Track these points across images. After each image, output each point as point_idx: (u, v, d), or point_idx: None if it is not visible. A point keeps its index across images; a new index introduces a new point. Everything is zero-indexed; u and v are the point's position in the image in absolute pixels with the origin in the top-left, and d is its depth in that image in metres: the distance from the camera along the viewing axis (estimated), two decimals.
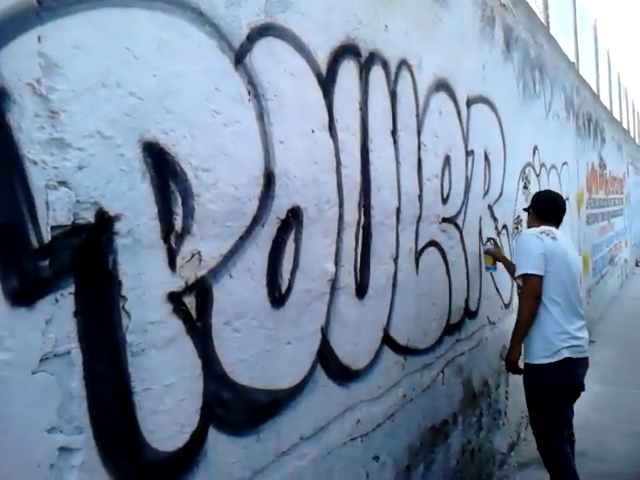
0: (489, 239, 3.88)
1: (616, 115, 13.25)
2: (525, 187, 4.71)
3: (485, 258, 3.77)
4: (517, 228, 4.50)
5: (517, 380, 4.38)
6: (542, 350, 3.09)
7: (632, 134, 17.13)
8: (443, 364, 3.14)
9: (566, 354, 3.07)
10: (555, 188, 5.77)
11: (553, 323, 3.09)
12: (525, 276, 3.12)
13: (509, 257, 3.86)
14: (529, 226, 3.51)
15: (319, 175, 2.04)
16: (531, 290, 3.09)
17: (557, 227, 3.36)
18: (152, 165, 1.39)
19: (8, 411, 1.10)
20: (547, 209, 3.43)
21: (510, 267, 3.78)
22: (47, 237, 1.17)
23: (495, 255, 3.78)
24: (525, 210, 3.67)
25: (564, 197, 5.64)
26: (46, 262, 1.17)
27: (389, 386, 2.57)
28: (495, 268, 3.86)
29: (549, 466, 3.25)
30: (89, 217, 1.25)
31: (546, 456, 3.24)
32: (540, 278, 3.08)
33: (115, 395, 1.33)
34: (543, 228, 3.24)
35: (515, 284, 3.51)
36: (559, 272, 3.13)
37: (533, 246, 3.12)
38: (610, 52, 13.67)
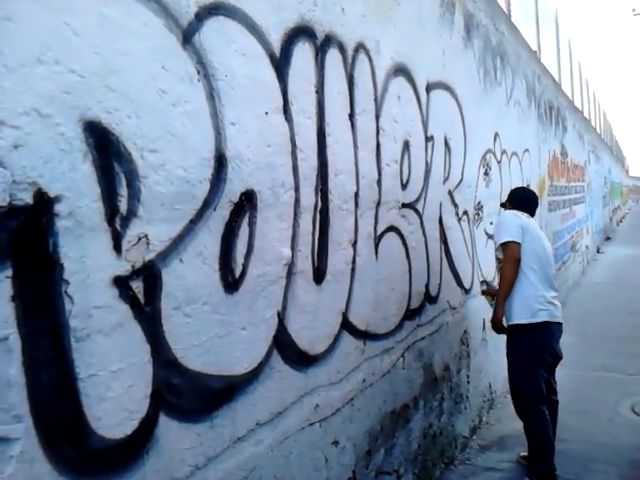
0: (482, 282, 4.44)
1: (577, 104, 13.47)
2: (486, 173, 4.75)
3: (486, 298, 4.21)
4: (478, 214, 4.54)
5: (478, 365, 4.46)
6: (523, 311, 3.52)
7: (593, 123, 17.45)
8: (403, 349, 3.16)
9: (545, 317, 3.51)
10: (516, 175, 5.87)
11: (532, 287, 3.53)
12: (505, 244, 3.55)
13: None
14: None
15: (274, 158, 2.01)
16: (511, 255, 3.53)
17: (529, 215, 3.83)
18: (94, 145, 1.35)
19: None
20: (522, 202, 3.91)
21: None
22: None
23: (491, 292, 4.16)
24: (502, 205, 4.18)
25: (526, 184, 5.89)
26: None
27: (348, 371, 2.57)
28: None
29: (528, 429, 3.60)
30: (27, 198, 1.21)
31: (525, 418, 3.61)
32: (518, 245, 3.53)
33: (58, 382, 1.29)
34: (517, 211, 3.73)
35: (496, 261, 3.98)
36: (534, 244, 3.59)
37: (510, 220, 3.64)
38: (571, 42, 13.87)
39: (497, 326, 3.63)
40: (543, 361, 3.55)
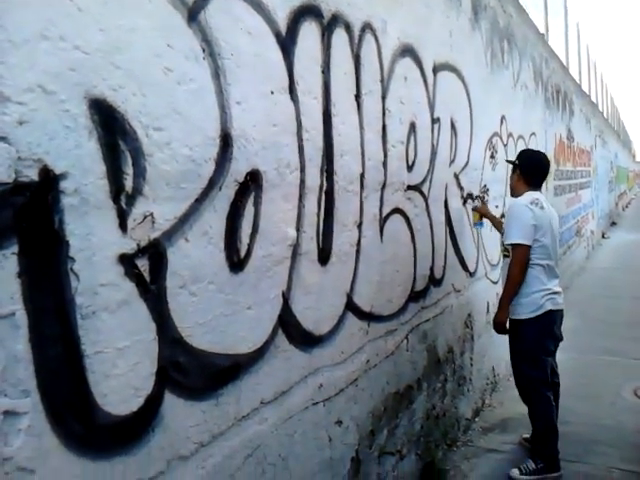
0: (477, 197, 4.22)
1: (585, 88, 13.36)
2: (492, 156, 4.73)
3: (472, 215, 4.12)
4: (483, 198, 4.53)
5: (482, 348, 4.47)
6: (528, 307, 3.48)
7: (600, 107, 17.31)
8: (407, 330, 3.17)
9: (549, 307, 3.48)
10: None
11: (538, 282, 3.48)
12: (515, 245, 3.44)
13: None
14: (513, 187, 3.79)
15: (279, 138, 2.01)
16: (520, 258, 3.44)
17: (540, 188, 3.72)
18: (100, 122, 1.34)
19: None
20: (535, 172, 3.73)
21: (496, 223, 4.30)
22: None
23: (482, 212, 4.18)
24: (511, 163, 3.85)
25: None
26: None
27: (352, 352, 2.58)
28: (482, 224, 4.26)
29: (533, 414, 3.61)
30: (32, 175, 1.21)
31: (530, 404, 3.62)
32: (529, 247, 3.43)
33: (64, 358, 1.30)
34: (532, 197, 3.53)
35: (501, 247, 3.81)
36: (545, 238, 3.48)
37: (525, 217, 3.45)
38: (580, 25, 13.72)
39: (500, 328, 3.59)
40: (547, 349, 3.57)
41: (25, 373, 1.21)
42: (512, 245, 3.46)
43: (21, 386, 1.20)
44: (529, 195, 3.57)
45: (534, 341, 3.50)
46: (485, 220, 4.28)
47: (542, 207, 3.51)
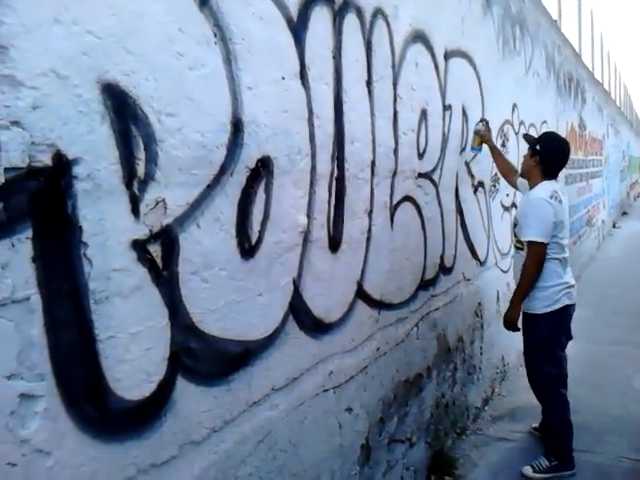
0: (482, 120, 3.89)
1: (598, 76, 13.22)
2: (503, 145, 4.69)
3: (473, 138, 3.83)
4: (494, 186, 4.50)
5: (492, 337, 4.47)
6: (544, 301, 3.38)
7: (613, 96, 17.13)
8: (417, 319, 3.17)
9: (565, 301, 3.40)
10: None
11: (555, 276, 3.38)
12: (532, 241, 3.30)
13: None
14: (527, 172, 3.57)
15: (290, 124, 2.00)
16: (537, 256, 3.31)
17: (556, 178, 3.55)
18: (112, 107, 1.34)
19: None
20: (556, 162, 3.53)
21: (495, 154, 4.05)
22: (0, 179, 1.12)
23: (484, 137, 3.87)
24: (531, 147, 3.54)
25: None
26: (0, 205, 1.13)
27: (362, 339, 2.59)
28: (480, 149, 3.94)
29: (548, 411, 3.54)
30: (46, 160, 1.21)
31: (545, 401, 3.53)
32: (546, 245, 3.31)
33: (78, 342, 1.30)
34: (551, 190, 3.35)
35: (514, 237, 3.69)
36: (562, 232, 3.39)
37: (545, 214, 3.30)
38: (593, 12, 13.56)
39: (511, 325, 3.47)
40: (561, 343, 3.50)
41: (40, 357, 1.21)
42: (529, 241, 3.33)
43: (36, 370, 1.20)
44: (547, 187, 3.39)
45: (549, 336, 3.42)
46: (484, 146, 3.95)
47: (561, 201, 3.37)
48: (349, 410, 2.48)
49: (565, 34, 8.43)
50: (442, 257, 3.48)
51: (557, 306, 3.38)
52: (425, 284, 3.24)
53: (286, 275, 2.04)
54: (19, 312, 1.17)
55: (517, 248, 3.58)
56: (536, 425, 3.84)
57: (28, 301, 1.19)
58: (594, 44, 13.55)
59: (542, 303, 3.39)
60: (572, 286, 3.47)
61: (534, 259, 3.31)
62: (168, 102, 1.49)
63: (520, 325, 3.49)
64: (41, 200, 1.21)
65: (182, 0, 1.54)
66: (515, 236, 3.60)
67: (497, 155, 4.08)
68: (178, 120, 1.53)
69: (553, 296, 3.37)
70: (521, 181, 3.82)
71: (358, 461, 2.56)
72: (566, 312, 3.44)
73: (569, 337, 3.57)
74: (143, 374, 1.47)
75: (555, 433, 3.51)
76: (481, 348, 4.31)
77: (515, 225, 3.58)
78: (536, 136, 4.42)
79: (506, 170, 4.11)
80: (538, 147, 3.48)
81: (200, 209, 1.63)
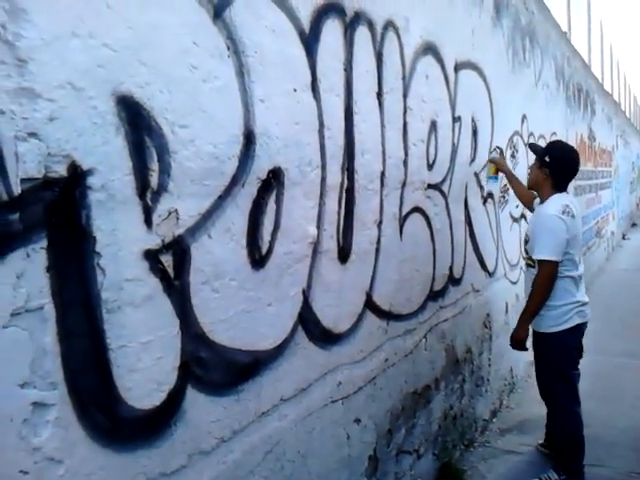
0: (496, 147, 3.86)
1: (607, 87, 13.20)
2: (513, 156, 4.69)
3: (488, 167, 3.76)
4: (503, 197, 4.50)
5: (500, 348, 4.45)
6: (555, 320, 3.24)
7: (623, 107, 17.10)
8: (426, 330, 3.16)
9: (577, 320, 3.26)
10: None
11: (566, 295, 3.24)
12: (544, 260, 3.17)
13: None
14: (536, 184, 3.41)
15: (301, 136, 2.01)
16: (549, 275, 3.17)
17: (566, 190, 3.38)
18: (126, 119, 1.36)
19: None
20: (566, 173, 3.35)
21: (512, 181, 3.97)
22: (17, 190, 1.14)
23: (499, 165, 3.79)
24: (539, 158, 3.39)
25: None
26: (16, 215, 1.14)
27: (371, 350, 2.58)
28: (496, 178, 3.89)
29: (560, 429, 3.43)
30: (61, 170, 1.22)
31: (558, 420, 3.42)
32: (558, 263, 3.17)
33: (90, 351, 1.32)
34: (562, 205, 3.20)
35: (524, 254, 3.57)
36: (574, 250, 3.24)
37: (558, 231, 3.15)
38: (603, 23, 13.56)
39: (519, 345, 3.33)
40: (573, 360, 3.38)
41: (53, 365, 1.23)
42: (540, 260, 3.20)
43: (49, 378, 1.22)
44: (559, 201, 3.24)
45: (561, 356, 3.29)
46: (500, 175, 3.93)
47: (573, 215, 3.21)
48: (357, 421, 2.47)
49: (575, 45, 8.44)
50: (451, 268, 3.48)
51: (568, 325, 3.25)
52: (434, 295, 3.24)
53: (296, 285, 2.05)
54: (33, 321, 1.18)
55: (528, 265, 3.45)
56: (542, 442, 3.77)
57: (42, 310, 1.20)
58: (604, 55, 13.55)
59: (552, 322, 3.25)
60: (585, 304, 3.33)
61: (546, 278, 3.19)
62: (181, 114, 1.51)
63: (529, 344, 3.38)
64: (56, 210, 1.22)
65: (196, 13, 1.56)
66: (526, 253, 3.46)
67: (514, 182, 4.01)
68: (191, 132, 1.54)
69: (564, 315, 3.24)
70: (537, 202, 3.61)
71: (366, 472, 2.55)
72: (578, 330, 3.31)
73: (581, 354, 3.46)
74: (154, 383, 1.48)
75: (566, 448, 3.43)
76: (489, 360, 4.29)
77: (526, 242, 3.43)
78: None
79: (524, 196, 3.96)
80: (547, 159, 3.32)
81: (211, 219, 1.65)
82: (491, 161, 3.82)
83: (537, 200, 3.55)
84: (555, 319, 3.24)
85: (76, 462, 1.27)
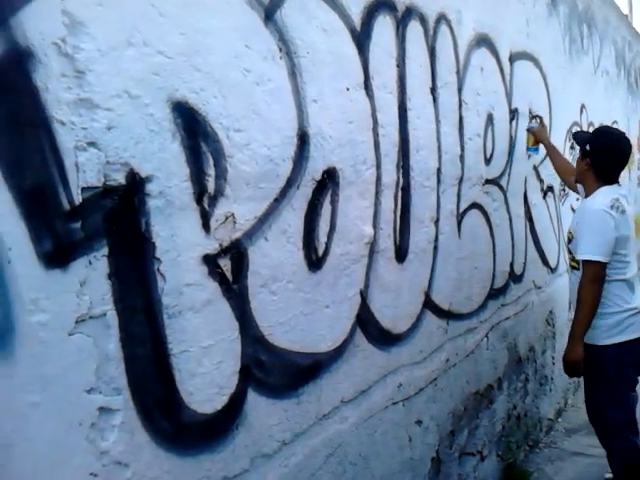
0: (535, 116, 3.58)
1: None
2: (572, 147, 4.52)
3: (527, 137, 3.50)
4: (563, 190, 4.35)
5: (564, 346, 4.27)
6: (606, 331, 2.81)
7: None
8: (487, 329, 3.08)
9: (634, 333, 2.81)
10: None
11: (618, 301, 2.82)
12: (589, 261, 2.75)
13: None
14: (580, 176, 3.03)
15: (355, 135, 1.99)
16: (595, 278, 2.75)
17: (617, 182, 2.95)
18: (182, 125, 1.37)
19: (47, 371, 1.11)
20: (611, 163, 2.90)
21: (553, 154, 3.60)
22: (78, 199, 1.16)
23: (538, 135, 3.49)
24: (580, 147, 3.03)
25: None
26: (78, 224, 1.16)
27: (431, 350, 2.54)
28: (537, 150, 3.62)
29: (614, 460, 2.96)
30: (120, 178, 1.24)
31: (610, 449, 2.96)
32: (605, 264, 2.75)
33: (152, 357, 1.33)
34: (611, 198, 2.79)
35: (566, 250, 3.26)
36: (625, 249, 2.82)
37: (605, 228, 2.73)
38: None
39: (574, 368, 2.86)
40: (629, 379, 2.88)
41: (116, 371, 1.24)
42: (585, 261, 2.77)
43: (113, 384, 1.23)
44: (607, 194, 2.82)
45: (615, 373, 2.80)
46: (540, 146, 3.60)
47: (623, 211, 2.79)
48: (419, 423, 2.43)
49: (636, 28, 8.09)
50: (512, 265, 3.38)
51: (623, 338, 2.79)
52: (495, 293, 3.15)
53: (353, 286, 2.03)
54: (97, 328, 1.20)
55: (572, 267, 3.03)
56: (609, 475, 3.17)
57: (105, 317, 1.22)
58: None
59: (604, 333, 2.80)
60: None
61: (591, 282, 2.74)
62: (236, 118, 1.51)
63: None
64: (116, 218, 1.24)
65: (248, 17, 1.56)
66: (570, 253, 3.05)
67: (554, 154, 3.63)
68: (246, 135, 1.54)
69: (617, 325, 2.79)
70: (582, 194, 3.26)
71: (429, 475, 2.51)
72: (635, 345, 2.82)
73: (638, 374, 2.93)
74: (215, 387, 1.49)
75: None
76: (553, 358, 4.16)
77: (569, 240, 3.02)
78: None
79: (564, 170, 3.57)
80: (588, 147, 2.93)
81: (268, 222, 1.64)
82: (529, 131, 3.51)
83: (581, 189, 3.17)
84: (607, 330, 2.80)
85: (142, 466, 1.29)
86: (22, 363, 1.07)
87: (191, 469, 1.42)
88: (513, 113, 3.35)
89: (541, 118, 3.66)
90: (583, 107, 4.90)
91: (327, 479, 1.89)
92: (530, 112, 3.60)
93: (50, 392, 1.12)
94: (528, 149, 3.58)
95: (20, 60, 1.05)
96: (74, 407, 1.17)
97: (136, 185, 1.27)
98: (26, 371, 1.07)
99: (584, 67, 4.93)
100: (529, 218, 3.66)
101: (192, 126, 1.40)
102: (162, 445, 1.34)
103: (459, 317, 2.77)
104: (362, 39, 2.01)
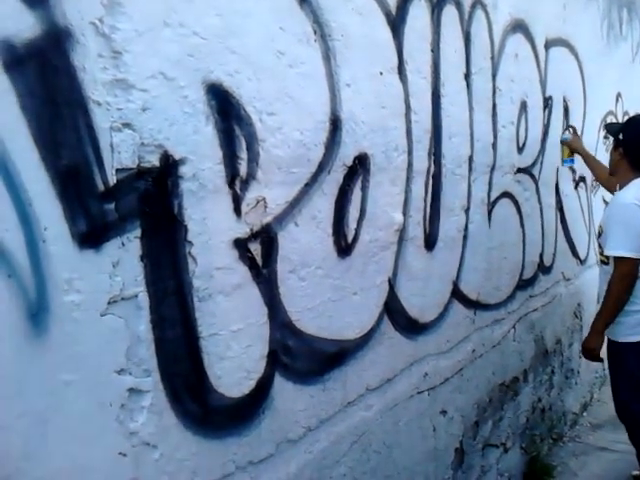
0: (568, 127, 3.52)
1: None
2: (606, 137, 4.42)
3: (562, 150, 3.44)
4: (575, 128, 4.22)
5: None
6: (633, 328, 2.77)
7: None
8: (515, 320, 3.05)
9: None
10: None
11: None
12: (619, 257, 2.69)
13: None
14: (614, 168, 2.95)
15: (387, 120, 1.96)
16: (626, 275, 2.70)
17: None
18: (216, 108, 1.35)
19: (80, 350, 1.12)
20: None
21: (591, 162, 3.50)
22: (112, 180, 1.15)
23: (573, 146, 3.43)
24: (613, 137, 2.98)
25: None
26: (112, 205, 1.16)
27: (458, 340, 2.51)
28: (573, 161, 3.53)
29: None
30: (154, 160, 1.23)
31: (639, 445, 2.95)
32: (637, 260, 2.68)
33: (182, 340, 1.33)
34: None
35: (597, 245, 3.19)
36: None
37: (635, 222, 2.65)
38: None
39: (592, 355, 2.87)
40: None
41: (147, 353, 1.25)
42: (616, 257, 2.72)
43: (143, 365, 1.24)
44: (638, 187, 2.76)
45: (636, 368, 2.78)
46: (577, 156, 3.52)
47: None
48: (444, 413, 2.42)
49: None
50: (541, 256, 3.33)
51: None
52: (523, 284, 3.11)
53: (381, 274, 2.01)
54: (128, 309, 1.21)
55: (602, 262, 2.97)
56: (637, 473, 3.26)
57: (136, 298, 1.22)
58: None
59: (629, 330, 2.77)
60: None
61: (621, 278, 2.70)
62: (269, 101, 1.49)
63: (603, 354, 2.91)
64: (149, 200, 1.24)
65: None
66: (599, 247, 3.00)
67: (592, 163, 3.53)
68: (279, 119, 1.52)
69: (638, 325, 2.76)
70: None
71: (452, 465, 2.50)
72: None
73: None
74: (243, 371, 1.49)
75: None
76: (580, 351, 4.10)
77: (599, 234, 2.96)
78: None
79: (605, 178, 3.39)
80: (621, 136, 2.85)
81: (298, 207, 1.63)
82: (563, 143, 3.45)
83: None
84: (633, 327, 2.76)
85: (170, 448, 1.30)
86: (56, 342, 1.07)
87: (218, 452, 1.43)
88: (547, 101, 3.28)
89: (574, 128, 3.58)
90: (619, 96, 4.78)
91: (350, 467, 1.88)
92: (563, 124, 3.50)
93: (82, 372, 1.13)
94: (564, 162, 3.50)
95: (58, 40, 1.05)
96: (105, 387, 1.17)
97: (169, 167, 1.27)
98: (60, 350, 1.08)
99: (622, 54, 4.80)
100: (560, 208, 3.60)
101: (226, 109, 1.38)
102: (190, 427, 1.35)
103: (487, 307, 2.74)
104: (397, 23, 1.97)
